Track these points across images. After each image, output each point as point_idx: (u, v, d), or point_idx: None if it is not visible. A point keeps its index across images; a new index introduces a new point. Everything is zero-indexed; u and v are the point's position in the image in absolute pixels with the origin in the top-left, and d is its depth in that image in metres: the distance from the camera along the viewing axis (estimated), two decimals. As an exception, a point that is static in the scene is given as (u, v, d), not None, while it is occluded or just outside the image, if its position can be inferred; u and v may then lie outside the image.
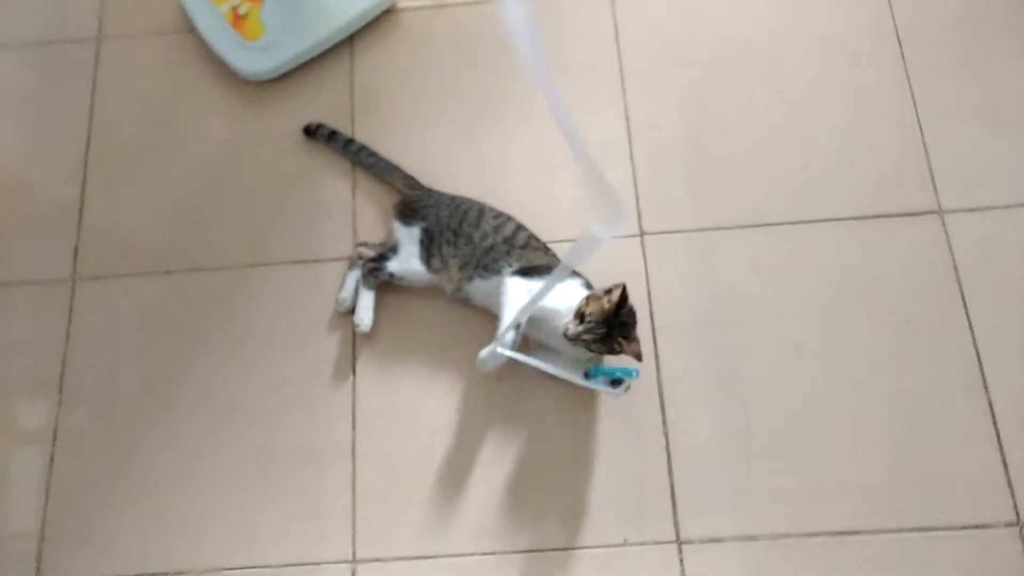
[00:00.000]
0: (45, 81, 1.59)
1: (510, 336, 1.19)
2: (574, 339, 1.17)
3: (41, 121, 1.57)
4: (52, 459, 1.33)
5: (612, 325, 1.16)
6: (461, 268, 1.30)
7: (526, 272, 1.26)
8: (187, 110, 1.56)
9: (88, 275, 1.44)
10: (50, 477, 1.32)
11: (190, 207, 1.48)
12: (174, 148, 1.53)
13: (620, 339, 1.17)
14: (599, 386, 1.22)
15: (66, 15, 1.64)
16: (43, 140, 1.55)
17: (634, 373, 1.19)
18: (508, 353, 1.20)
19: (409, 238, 1.34)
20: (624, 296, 1.17)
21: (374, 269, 1.33)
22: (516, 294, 1.23)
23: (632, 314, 1.20)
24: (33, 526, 1.29)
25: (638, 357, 1.19)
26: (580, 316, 1.18)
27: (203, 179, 1.50)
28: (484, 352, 1.20)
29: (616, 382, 1.21)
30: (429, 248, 1.32)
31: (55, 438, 1.34)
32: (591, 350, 1.19)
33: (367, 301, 1.33)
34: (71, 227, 1.47)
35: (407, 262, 1.33)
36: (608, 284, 1.20)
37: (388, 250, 1.35)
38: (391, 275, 1.33)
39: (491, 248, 1.30)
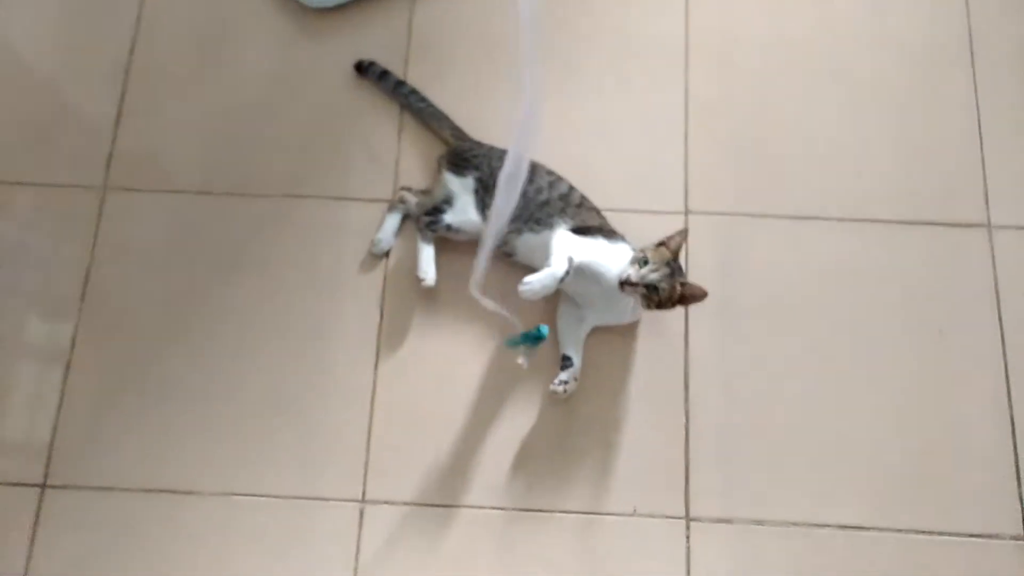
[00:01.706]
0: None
1: (564, 264, 1.17)
2: (637, 283, 1.16)
3: (86, 26, 1.53)
4: (69, 367, 1.32)
5: (673, 269, 1.18)
6: (512, 221, 1.29)
7: (578, 232, 1.26)
8: (239, 31, 1.52)
9: (119, 186, 1.42)
10: (65, 385, 1.31)
11: (231, 130, 1.46)
12: (221, 68, 1.50)
13: (681, 282, 1.19)
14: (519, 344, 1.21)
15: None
16: (87, 45, 1.51)
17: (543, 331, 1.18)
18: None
19: (463, 189, 1.33)
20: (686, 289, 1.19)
21: (431, 223, 1.32)
22: (567, 239, 1.23)
23: (681, 267, 1.21)
24: (44, 432, 1.29)
25: (704, 295, 1.19)
26: (641, 262, 1.18)
27: (247, 103, 1.47)
28: (532, 277, 1.16)
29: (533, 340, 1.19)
30: (484, 199, 1.31)
31: (73, 346, 1.33)
32: (649, 297, 1.18)
33: (428, 254, 1.32)
34: (106, 136, 1.45)
35: (463, 213, 1.32)
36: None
37: (442, 202, 1.33)
38: (448, 227, 1.32)
39: (545, 203, 1.29)
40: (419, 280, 1.30)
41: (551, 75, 1.47)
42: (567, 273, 1.17)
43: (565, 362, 1.25)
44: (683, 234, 1.22)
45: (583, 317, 1.28)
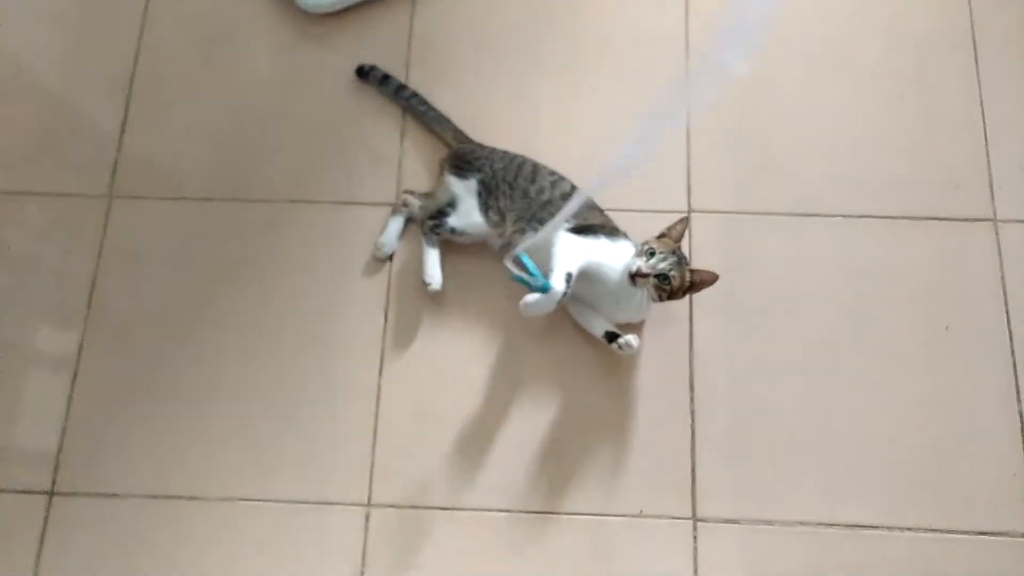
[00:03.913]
0: (98, -7, 1.57)
1: (562, 285, 1.16)
2: (648, 274, 1.16)
3: (90, 34, 1.54)
4: (76, 374, 1.33)
5: (680, 257, 1.18)
6: (515, 222, 1.29)
7: (580, 231, 1.25)
8: (240, 37, 1.53)
9: (125, 194, 1.43)
10: (72, 393, 1.32)
11: (234, 136, 1.47)
12: (223, 74, 1.51)
13: (689, 269, 1.18)
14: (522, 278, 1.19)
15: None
16: (90, 53, 1.53)
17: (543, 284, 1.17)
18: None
19: (467, 191, 1.33)
20: (694, 278, 1.19)
21: (435, 226, 1.32)
22: (568, 244, 1.22)
23: (684, 255, 1.21)
24: (52, 440, 1.30)
25: (714, 279, 1.18)
26: (648, 254, 1.18)
27: (250, 109, 1.48)
28: (531, 297, 1.16)
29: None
30: (487, 200, 1.31)
31: (80, 354, 1.34)
32: (661, 287, 1.17)
33: (433, 258, 1.31)
34: (111, 144, 1.46)
35: (467, 216, 1.31)
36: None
37: (446, 205, 1.33)
38: (452, 230, 1.32)
39: (548, 203, 1.29)
40: (425, 284, 1.30)
41: (545, 73, 1.49)
42: (565, 293, 1.16)
43: (611, 337, 1.25)
44: (684, 222, 1.22)
45: (596, 309, 1.28)
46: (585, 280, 1.21)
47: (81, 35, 1.54)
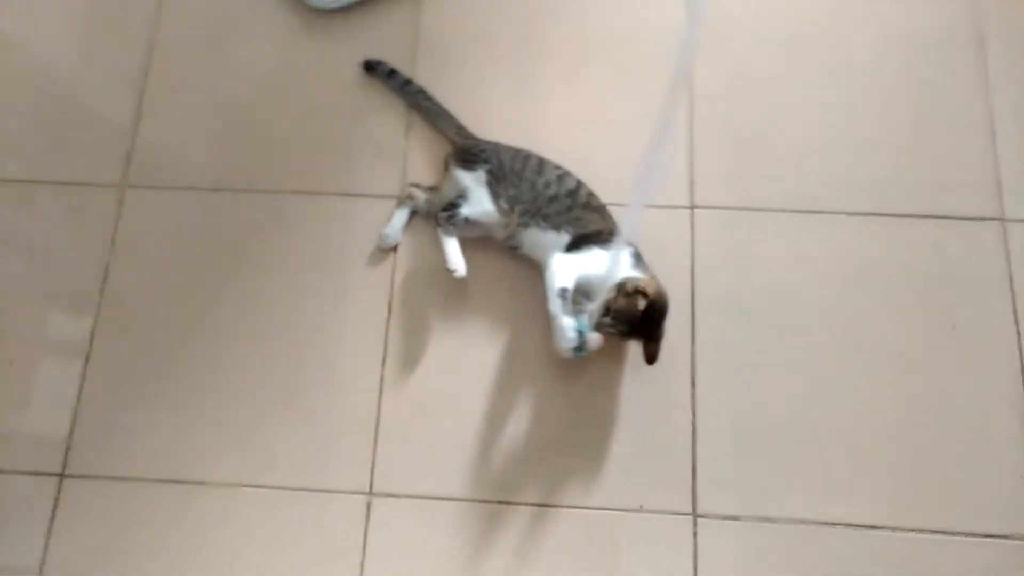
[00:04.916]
0: (113, -12, 1.59)
1: (557, 304, 1.22)
2: (597, 329, 1.21)
3: (105, 26, 1.57)
4: (87, 360, 1.35)
5: (635, 326, 1.19)
6: (521, 214, 1.30)
7: (577, 242, 1.27)
8: (250, 32, 1.55)
9: (138, 183, 1.46)
10: (84, 378, 1.34)
11: (244, 128, 1.49)
12: (233, 68, 1.53)
13: (641, 339, 1.22)
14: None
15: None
16: (107, 46, 1.56)
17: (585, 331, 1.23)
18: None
19: (476, 182, 1.34)
20: (650, 307, 1.18)
21: (450, 216, 1.32)
22: (559, 265, 1.25)
23: (662, 312, 1.21)
24: (63, 423, 1.32)
25: (649, 360, 1.22)
26: (607, 309, 1.19)
27: (259, 102, 1.50)
28: (553, 340, 1.24)
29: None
30: (496, 189, 1.32)
31: (92, 340, 1.36)
32: (611, 336, 1.22)
33: (453, 246, 1.31)
34: (126, 134, 1.49)
35: (480, 204, 1.32)
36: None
37: (456, 198, 1.34)
38: (466, 220, 1.32)
39: (554, 198, 1.30)
40: (450, 272, 1.28)
41: (550, 70, 1.49)
42: (564, 307, 1.22)
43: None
44: (646, 299, 1.18)
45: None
46: (583, 293, 1.23)
47: (96, 27, 1.58)
